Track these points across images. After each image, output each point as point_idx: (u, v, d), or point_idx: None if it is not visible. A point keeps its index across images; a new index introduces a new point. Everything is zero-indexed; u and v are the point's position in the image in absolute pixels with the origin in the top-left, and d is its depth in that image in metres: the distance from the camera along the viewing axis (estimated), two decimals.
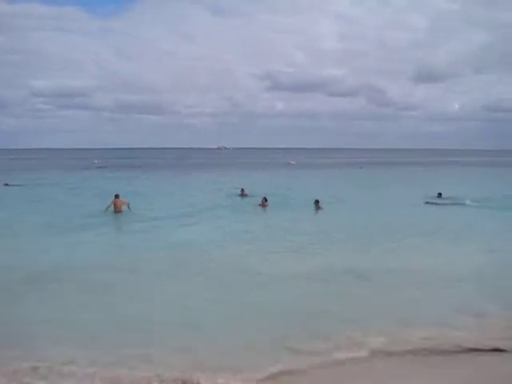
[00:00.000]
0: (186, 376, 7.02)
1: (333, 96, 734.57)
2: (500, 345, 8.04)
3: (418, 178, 52.07)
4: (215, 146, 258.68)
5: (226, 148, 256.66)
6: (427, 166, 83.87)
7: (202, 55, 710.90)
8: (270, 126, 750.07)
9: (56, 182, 44.50)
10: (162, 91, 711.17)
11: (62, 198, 31.45)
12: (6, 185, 40.03)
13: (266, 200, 25.41)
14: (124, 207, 24.04)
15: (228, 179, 47.03)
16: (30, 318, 9.60)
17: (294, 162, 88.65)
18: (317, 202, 24.81)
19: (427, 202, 27.45)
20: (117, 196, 24.29)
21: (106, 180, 47.98)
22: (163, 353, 7.96)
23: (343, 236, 18.29)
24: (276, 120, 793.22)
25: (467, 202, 27.46)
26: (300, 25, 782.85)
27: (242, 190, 30.97)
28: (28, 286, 11.62)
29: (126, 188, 35.28)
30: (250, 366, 7.40)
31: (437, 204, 27.05)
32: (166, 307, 10.29)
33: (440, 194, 29.40)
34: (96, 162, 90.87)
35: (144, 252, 15.70)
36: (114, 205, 23.84)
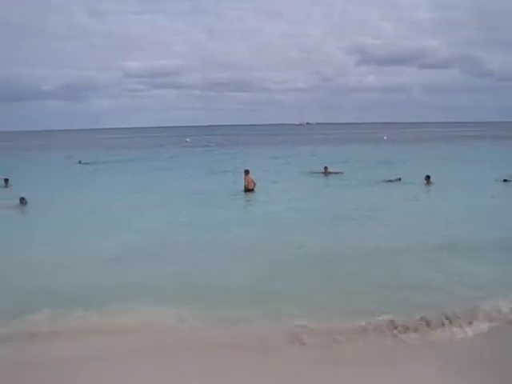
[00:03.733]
0: None
1: (425, 68, 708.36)
2: None
3: None
4: (297, 122, 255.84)
5: (309, 123, 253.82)
6: None
7: (289, 31, 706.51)
8: (359, 100, 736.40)
9: (154, 158, 46.57)
10: (250, 68, 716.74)
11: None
12: (79, 162, 42.24)
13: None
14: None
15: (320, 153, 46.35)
16: None
17: (385, 137, 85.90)
18: (428, 177, 23.81)
19: None
20: (247, 172, 23.00)
21: (201, 157, 48.81)
22: None
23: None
24: (366, 94, 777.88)
25: None
26: None
27: (326, 167, 29.76)
28: None
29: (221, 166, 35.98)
30: None
31: None
32: None
33: None
34: (188, 140, 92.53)
35: None
36: (246, 182, 22.67)
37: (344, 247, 12.72)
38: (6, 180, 27.02)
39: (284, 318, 7.94)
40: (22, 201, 18.86)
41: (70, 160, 45.57)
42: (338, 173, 29.24)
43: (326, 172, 29.36)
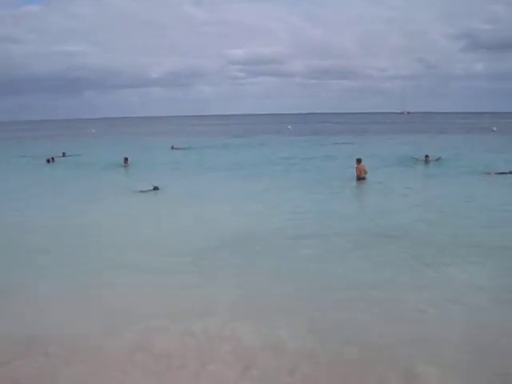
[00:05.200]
0: None
1: None
2: None
3: None
4: (399, 111, 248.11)
5: (409, 113, 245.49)
6: None
7: (392, 17, 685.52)
8: (467, 88, 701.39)
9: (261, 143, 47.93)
10: (353, 56, 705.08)
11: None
12: (172, 148, 44.64)
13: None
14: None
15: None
16: None
17: (495, 129, 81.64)
18: None
19: None
20: (359, 160, 22.91)
21: (306, 145, 49.09)
22: None
23: None
24: (474, 82, 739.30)
25: None
26: None
27: (427, 156, 30.11)
28: None
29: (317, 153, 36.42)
30: None
31: None
32: None
33: None
34: (290, 127, 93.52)
35: None
36: (358, 171, 22.62)
37: None
38: (126, 159, 29.99)
39: None
40: (156, 188, 20.62)
41: (166, 145, 47.96)
42: (438, 159, 29.98)
43: (426, 160, 29.81)
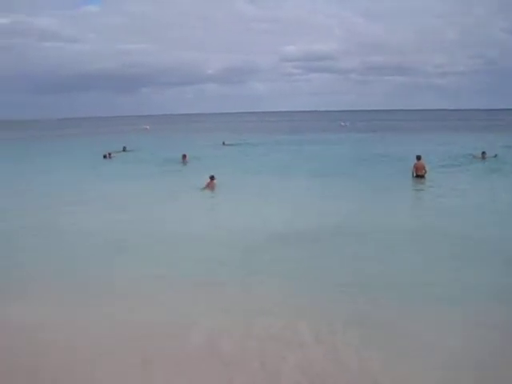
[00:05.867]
0: None
1: None
2: None
3: None
4: (454, 108, 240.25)
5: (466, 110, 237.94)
6: None
7: (449, 11, 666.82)
8: None
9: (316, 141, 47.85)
10: (410, 51, 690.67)
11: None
12: (223, 144, 45.53)
13: None
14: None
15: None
16: None
17: None
18: None
19: None
20: (418, 157, 22.45)
21: (360, 142, 48.68)
22: None
23: None
24: None
25: None
26: None
27: (483, 152, 29.62)
28: None
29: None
30: None
31: None
32: None
33: None
34: (343, 123, 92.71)
35: None
36: (416, 168, 22.16)
37: None
38: (184, 155, 30.71)
39: None
40: (212, 178, 20.87)
41: (216, 141, 48.65)
42: (495, 156, 29.46)
43: (483, 157, 29.40)
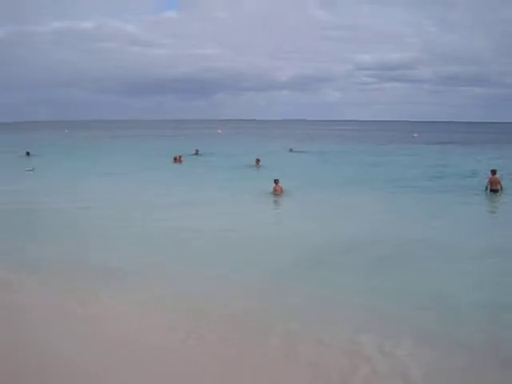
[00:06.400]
0: None
1: None
2: None
3: None
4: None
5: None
6: None
7: None
8: None
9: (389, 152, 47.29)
10: (486, 61, 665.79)
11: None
12: (290, 150, 47.04)
13: None
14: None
15: None
16: None
17: None
18: None
19: None
20: (493, 172, 21.86)
21: (432, 154, 47.45)
22: None
23: None
24: None
25: None
26: None
27: None
28: None
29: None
30: None
31: None
32: None
33: None
34: (415, 135, 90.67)
35: None
36: (490, 182, 21.61)
37: None
38: (258, 160, 32.69)
39: None
40: (276, 182, 21.44)
41: (284, 147, 49.97)
42: None
43: None
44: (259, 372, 6.87)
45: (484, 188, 22.01)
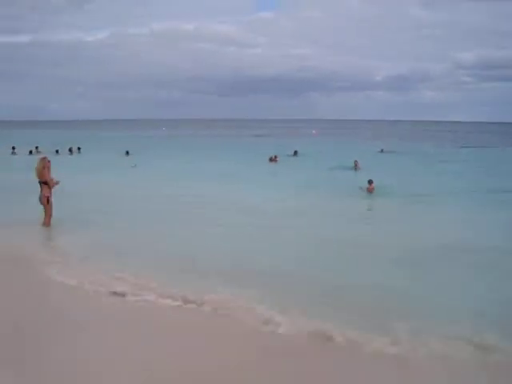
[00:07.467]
0: None
1: None
2: None
3: None
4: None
5: None
6: None
7: None
8: None
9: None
10: None
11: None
12: (381, 151, 46.87)
13: None
14: None
15: None
16: None
17: None
18: None
19: None
20: None
21: None
22: None
23: None
24: None
25: None
26: None
27: None
28: None
29: None
30: None
31: None
32: None
33: None
34: None
35: None
36: None
37: None
38: (356, 162, 32.56)
39: None
40: (371, 182, 22.53)
41: (373, 148, 49.93)
42: None
43: None
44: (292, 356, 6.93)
45: None
